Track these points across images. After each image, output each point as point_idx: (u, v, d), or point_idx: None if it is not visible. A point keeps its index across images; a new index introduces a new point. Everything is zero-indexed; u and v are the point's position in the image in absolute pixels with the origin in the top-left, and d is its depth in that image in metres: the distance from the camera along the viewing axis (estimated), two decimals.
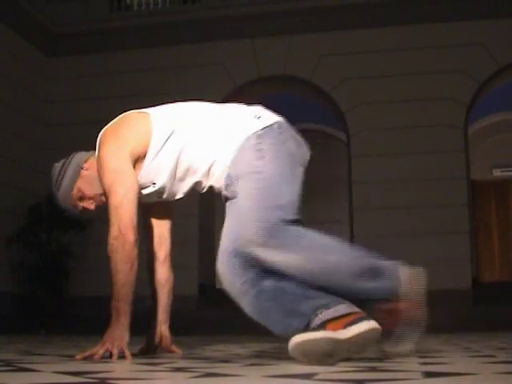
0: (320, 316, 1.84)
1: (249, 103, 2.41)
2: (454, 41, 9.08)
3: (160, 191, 2.28)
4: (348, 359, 1.96)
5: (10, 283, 8.52)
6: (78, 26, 10.11)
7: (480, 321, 7.36)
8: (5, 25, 9.10)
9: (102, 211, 2.32)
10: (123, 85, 9.73)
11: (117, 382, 1.31)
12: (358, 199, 9.08)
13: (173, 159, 2.20)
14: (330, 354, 1.77)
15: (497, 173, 12.40)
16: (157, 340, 2.50)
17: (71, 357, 2.18)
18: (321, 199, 12.71)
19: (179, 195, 2.30)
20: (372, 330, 1.82)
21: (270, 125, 2.15)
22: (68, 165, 2.37)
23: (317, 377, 1.42)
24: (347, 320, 1.83)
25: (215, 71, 9.59)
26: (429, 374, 1.44)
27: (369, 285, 1.96)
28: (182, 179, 2.24)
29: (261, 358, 2.29)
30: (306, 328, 1.86)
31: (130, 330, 2.12)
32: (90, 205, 2.36)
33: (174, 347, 2.52)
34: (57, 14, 10.07)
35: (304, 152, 2.23)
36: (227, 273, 2.00)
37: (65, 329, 7.50)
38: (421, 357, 2.19)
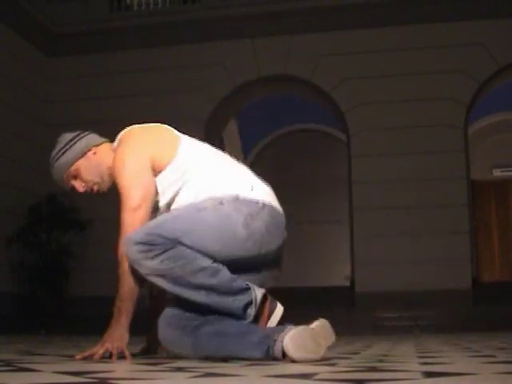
0: (280, 338, 1.91)
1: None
2: (454, 41, 9.08)
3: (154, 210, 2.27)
4: (348, 359, 1.96)
5: (9, 283, 8.52)
6: (78, 25, 10.10)
7: (480, 321, 7.37)
8: (5, 25, 9.10)
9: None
10: (123, 85, 9.73)
11: (117, 382, 1.31)
12: (358, 199, 9.08)
13: (175, 190, 2.21)
14: (315, 340, 1.90)
15: (497, 173, 12.41)
16: (157, 340, 2.50)
17: (71, 357, 2.18)
18: (321, 199, 12.73)
19: None
20: (325, 321, 2.03)
21: (256, 200, 2.13)
22: (78, 140, 2.35)
23: (317, 377, 1.42)
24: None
25: (215, 71, 9.59)
26: (429, 374, 1.44)
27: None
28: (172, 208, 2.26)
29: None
30: (269, 351, 1.93)
31: (130, 331, 2.13)
32: (81, 187, 2.35)
33: None
34: (57, 13, 10.06)
35: (272, 239, 2.14)
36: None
37: (65, 329, 7.51)
38: (421, 357, 2.19)
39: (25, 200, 8.93)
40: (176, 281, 2.01)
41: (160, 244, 1.98)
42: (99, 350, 2.06)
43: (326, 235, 12.49)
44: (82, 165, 2.32)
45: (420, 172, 8.90)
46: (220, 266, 2.04)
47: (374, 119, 9.16)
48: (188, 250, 2.01)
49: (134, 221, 2.12)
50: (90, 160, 2.33)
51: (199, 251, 2.02)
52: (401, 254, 8.72)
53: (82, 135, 2.37)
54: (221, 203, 2.10)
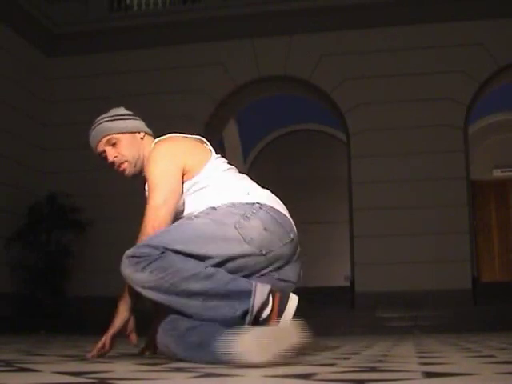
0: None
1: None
2: (454, 41, 9.08)
3: None
4: (348, 359, 1.96)
5: (9, 283, 8.52)
6: (78, 25, 10.10)
7: (480, 321, 7.36)
8: (5, 25, 9.10)
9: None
10: (123, 85, 9.72)
11: (117, 382, 1.31)
12: (358, 199, 9.08)
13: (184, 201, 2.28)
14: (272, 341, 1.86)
15: (497, 173, 12.41)
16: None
17: (71, 357, 2.18)
18: (321, 199, 12.73)
19: None
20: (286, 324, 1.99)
21: (251, 202, 2.18)
22: (134, 119, 2.43)
23: (317, 377, 1.42)
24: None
25: (215, 71, 9.59)
26: (429, 374, 1.44)
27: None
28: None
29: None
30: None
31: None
32: (112, 156, 2.34)
33: None
34: (57, 13, 10.06)
35: (274, 237, 2.15)
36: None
37: (65, 329, 7.50)
38: (421, 357, 2.19)
39: (25, 200, 8.93)
40: (168, 291, 1.99)
41: (147, 255, 1.98)
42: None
43: (326, 235, 12.48)
44: (126, 138, 2.36)
45: (420, 172, 8.90)
46: (215, 270, 2.02)
47: (374, 119, 9.15)
48: (177, 258, 1.99)
49: (155, 217, 2.15)
50: (136, 140, 2.38)
51: (191, 256, 2.01)
52: (401, 254, 8.72)
53: (139, 119, 2.45)
54: (213, 209, 2.15)
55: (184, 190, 2.26)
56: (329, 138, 12.93)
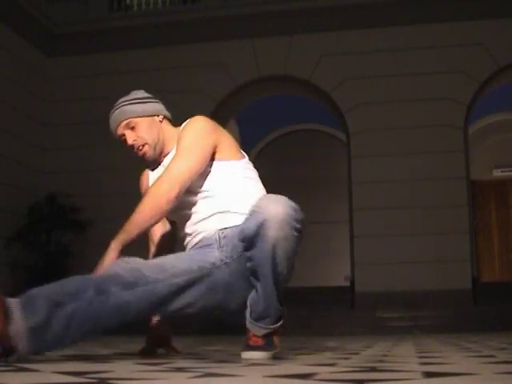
0: None
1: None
2: (454, 41, 9.08)
3: None
4: (348, 359, 1.96)
5: (10, 283, 8.51)
6: (78, 25, 10.10)
7: (480, 321, 7.37)
8: (5, 25, 9.10)
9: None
10: (123, 85, 9.64)
11: (117, 382, 1.31)
12: (358, 199, 9.08)
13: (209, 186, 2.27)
14: None
15: (497, 173, 12.42)
16: (157, 340, 2.50)
17: (71, 357, 2.18)
18: (321, 199, 12.73)
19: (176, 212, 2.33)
20: None
21: None
22: (154, 102, 2.45)
23: (317, 377, 1.42)
24: None
25: (215, 71, 9.59)
26: (429, 374, 1.44)
27: None
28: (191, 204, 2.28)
29: None
30: None
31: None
32: (131, 139, 2.33)
33: (174, 347, 2.52)
34: (57, 13, 10.06)
35: None
36: None
37: None
38: (421, 357, 2.19)
39: (25, 200, 8.93)
40: (288, 265, 2.04)
41: (302, 221, 2.03)
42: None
43: (326, 235, 12.48)
44: (145, 121, 2.36)
45: (420, 172, 8.90)
46: None
47: (374, 119, 9.16)
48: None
49: (173, 176, 2.14)
50: (155, 123, 2.38)
51: None
52: (401, 254, 8.72)
53: (158, 101, 2.47)
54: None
55: (215, 167, 2.26)
56: (329, 138, 12.93)
